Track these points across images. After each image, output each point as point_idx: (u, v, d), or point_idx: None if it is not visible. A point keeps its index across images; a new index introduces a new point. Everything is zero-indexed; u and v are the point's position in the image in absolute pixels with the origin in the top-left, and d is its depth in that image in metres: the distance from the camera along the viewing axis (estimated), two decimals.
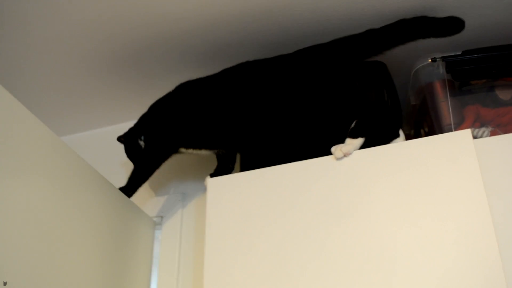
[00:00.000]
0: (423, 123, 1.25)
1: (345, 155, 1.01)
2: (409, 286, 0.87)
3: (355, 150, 1.03)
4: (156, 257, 1.37)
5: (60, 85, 1.47)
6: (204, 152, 1.27)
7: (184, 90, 1.28)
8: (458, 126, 1.11)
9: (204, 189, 1.29)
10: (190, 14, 1.21)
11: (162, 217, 1.42)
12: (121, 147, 1.36)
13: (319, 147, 1.12)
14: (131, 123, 1.38)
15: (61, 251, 1.02)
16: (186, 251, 1.36)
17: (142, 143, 1.31)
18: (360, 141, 1.04)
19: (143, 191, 1.40)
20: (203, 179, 1.23)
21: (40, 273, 0.96)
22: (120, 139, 1.35)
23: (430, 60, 1.14)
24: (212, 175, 1.23)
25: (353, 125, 1.07)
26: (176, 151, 1.27)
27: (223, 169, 1.28)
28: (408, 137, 1.36)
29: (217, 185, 1.12)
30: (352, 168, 1.02)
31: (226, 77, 1.23)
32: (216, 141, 1.24)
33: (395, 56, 1.18)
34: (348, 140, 1.05)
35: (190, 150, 1.26)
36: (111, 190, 1.21)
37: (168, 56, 1.36)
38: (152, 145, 1.29)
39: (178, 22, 1.24)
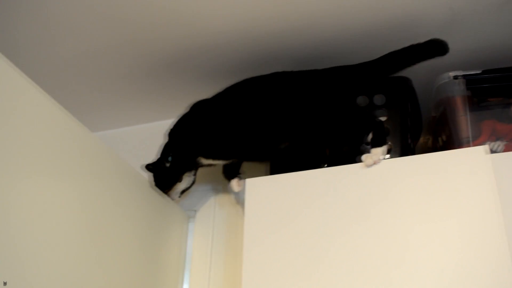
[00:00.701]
0: (441, 133, 1.36)
1: (375, 163, 1.12)
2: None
3: (383, 157, 1.14)
4: (189, 250, 1.46)
5: (107, 87, 1.60)
6: (220, 163, 1.37)
7: (200, 109, 1.36)
8: (475, 139, 1.21)
9: None
10: (229, 28, 1.31)
11: (195, 210, 1.51)
12: (155, 143, 1.44)
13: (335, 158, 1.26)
14: (164, 122, 1.48)
15: (100, 246, 1.09)
16: (218, 244, 1.45)
17: (168, 164, 1.36)
18: (385, 148, 1.16)
19: None
20: None
21: (80, 266, 1.02)
22: (148, 167, 1.37)
23: (452, 77, 1.25)
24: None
25: (371, 136, 1.18)
26: (196, 161, 1.35)
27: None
28: (426, 144, 1.49)
29: (254, 185, 1.22)
30: (379, 176, 1.11)
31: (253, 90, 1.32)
32: (235, 152, 1.34)
33: (419, 73, 1.29)
34: (374, 150, 1.16)
35: (210, 161, 1.35)
36: (146, 186, 1.30)
37: (204, 66, 1.47)
38: (177, 157, 1.36)
39: (217, 35, 1.34)
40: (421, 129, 1.41)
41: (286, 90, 1.27)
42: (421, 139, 1.47)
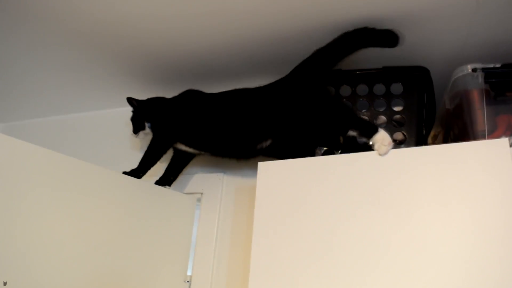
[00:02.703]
0: (454, 126, 1.35)
1: (389, 144, 1.11)
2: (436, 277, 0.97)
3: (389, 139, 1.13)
4: (194, 231, 1.47)
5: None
6: (192, 151, 1.47)
7: (191, 98, 1.47)
8: (490, 133, 1.20)
9: (244, 169, 1.40)
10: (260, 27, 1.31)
11: (201, 193, 1.51)
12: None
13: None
14: None
15: (107, 232, 1.20)
16: (224, 227, 1.44)
17: (147, 129, 1.51)
18: (383, 132, 1.16)
19: (187, 168, 1.51)
20: None
21: (89, 252, 1.14)
22: (132, 102, 1.54)
23: (470, 70, 1.23)
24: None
25: (357, 132, 1.20)
26: (174, 144, 1.48)
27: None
28: (436, 137, 1.48)
29: (267, 169, 1.20)
30: (394, 164, 1.10)
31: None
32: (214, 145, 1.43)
33: (435, 64, 1.27)
34: (376, 138, 1.15)
35: (184, 147, 1.46)
36: (145, 186, 1.40)
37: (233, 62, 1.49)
38: (158, 137, 1.48)
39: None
40: (434, 122, 1.41)
41: (262, 101, 1.34)
42: (432, 132, 1.46)
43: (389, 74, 1.26)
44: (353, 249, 1.05)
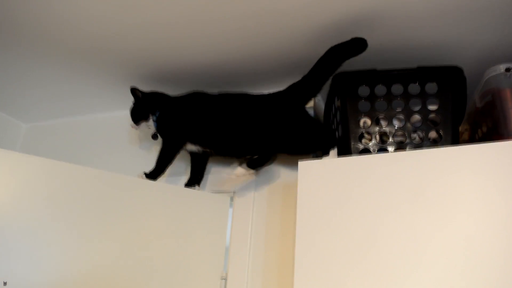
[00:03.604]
0: (482, 124, 1.38)
1: None
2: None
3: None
4: (228, 233, 1.49)
5: None
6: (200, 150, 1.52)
7: (198, 99, 1.52)
8: None
9: (275, 168, 1.42)
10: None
11: (234, 192, 1.52)
12: None
13: None
14: None
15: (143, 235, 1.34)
16: (258, 224, 1.45)
17: (151, 121, 1.55)
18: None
19: (219, 167, 1.52)
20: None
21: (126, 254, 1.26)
22: (136, 93, 1.56)
23: (504, 70, 1.26)
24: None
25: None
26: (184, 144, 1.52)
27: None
28: (461, 134, 1.51)
29: (308, 168, 1.22)
30: (435, 163, 1.11)
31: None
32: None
33: (466, 64, 1.30)
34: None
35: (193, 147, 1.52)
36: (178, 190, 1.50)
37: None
38: (168, 139, 1.54)
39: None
40: (462, 120, 1.44)
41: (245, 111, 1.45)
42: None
43: (424, 73, 1.29)
44: (397, 248, 1.06)
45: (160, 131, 1.56)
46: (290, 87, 1.42)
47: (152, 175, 1.47)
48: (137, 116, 1.55)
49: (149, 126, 1.55)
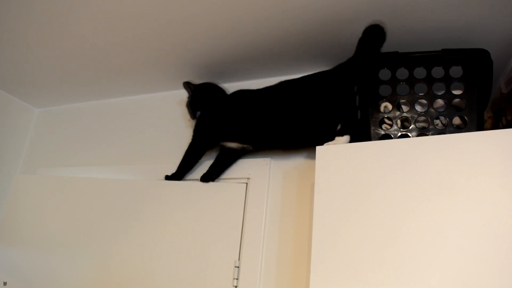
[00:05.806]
0: (507, 111, 1.33)
1: None
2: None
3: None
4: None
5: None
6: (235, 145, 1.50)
7: (239, 98, 1.51)
8: None
9: (291, 155, 1.38)
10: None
11: (248, 178, 1.49)
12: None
13: None
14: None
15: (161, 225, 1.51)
16: (273, 210, 1.42)
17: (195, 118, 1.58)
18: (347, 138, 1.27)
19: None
20: None
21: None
22: (189, 86, 1.60)
23: None
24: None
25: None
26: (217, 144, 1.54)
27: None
28: (485, 122, 1.46)
29: (325, 153, 1.18)
30: (458, 149, 1.07)
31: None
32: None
33: (492, 46, 1.24)
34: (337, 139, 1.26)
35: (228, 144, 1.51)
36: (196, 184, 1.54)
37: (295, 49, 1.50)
38: (198, 138, 1.55)
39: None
40: (486, 106, 1.38)
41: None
42: None
43: (448, 56, 1.23)
44: (418, 235, 1.02)
45: (197, 128, 1.56)
46: (340, 67, 1.35)
47: (176, 176, 1.54)
48: (193, 110, 1.58)
49: None
